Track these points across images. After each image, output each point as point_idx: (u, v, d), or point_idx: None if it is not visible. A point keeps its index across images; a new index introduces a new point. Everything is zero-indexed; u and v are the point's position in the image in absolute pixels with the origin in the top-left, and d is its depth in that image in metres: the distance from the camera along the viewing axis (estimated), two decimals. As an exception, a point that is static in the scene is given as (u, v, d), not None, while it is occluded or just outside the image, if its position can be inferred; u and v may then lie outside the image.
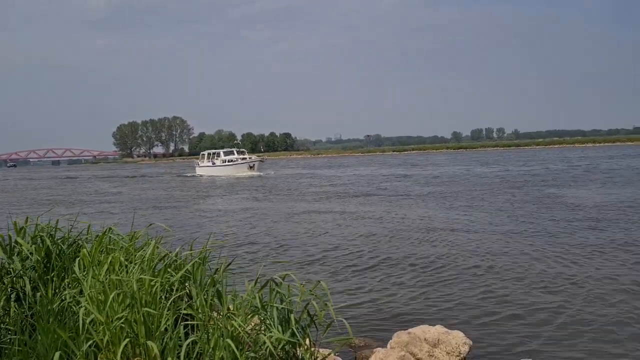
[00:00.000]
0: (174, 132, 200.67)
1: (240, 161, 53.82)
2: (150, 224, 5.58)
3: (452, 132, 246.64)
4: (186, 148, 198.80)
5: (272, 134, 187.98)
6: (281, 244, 12.66)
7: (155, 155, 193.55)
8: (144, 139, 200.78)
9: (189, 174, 59.82)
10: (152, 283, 4.00)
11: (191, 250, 4.87)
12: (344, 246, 12.09)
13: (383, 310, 7.24)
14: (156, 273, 4.32)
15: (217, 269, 4.73)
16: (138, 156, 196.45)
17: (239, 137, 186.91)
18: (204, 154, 61.21)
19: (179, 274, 4.34)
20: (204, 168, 58.38)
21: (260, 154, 66.12)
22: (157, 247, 4.73)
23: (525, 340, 6.05)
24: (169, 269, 4.42)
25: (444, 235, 12.99)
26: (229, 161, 54.67)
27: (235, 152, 57.15)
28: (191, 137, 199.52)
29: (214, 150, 61.08)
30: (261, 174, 51.57)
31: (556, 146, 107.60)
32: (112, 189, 39.20)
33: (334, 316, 4.23)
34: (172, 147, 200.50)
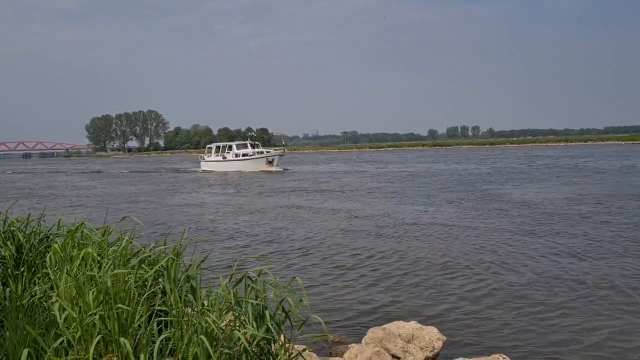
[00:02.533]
0: (148, 126, 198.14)
1: (257, 155, 48.41)
2: (124, 217, 5.48)
3: (429, 130, 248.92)
4: (161, 142, 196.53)
5: (248, 129, 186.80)
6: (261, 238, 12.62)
7: (130, 150, 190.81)
8: (118, 132, 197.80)
9: (190, 169, 54.36)
10: (127, 279, 3.95)
11: (165, 245, 4.82)
12: (318, 241, 12.13)
13: (358, 306, 7.29)
14: (129, 269, 4.27)
15: (192, 264, 4.69)
16: (112, 150, 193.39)
17: (215, 132, 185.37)
18: (210, 147, 54.48)
19: (153, 270, 4.28)
20: (212, 163, 52.05)
21: (279, 147, 56.73)
22: (131, 243, 4.67)
23: (498, 335, 6.16)
24: (142, 265, 4.37)
25: (414, 231, 13.12)
26: (243, 155, 49.10)
27: (249, 144, 51.76)
28: (167, 131, 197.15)
29: (224, 143, 54.27)
30: (280, 169, 47.09)
31: (530, 145, 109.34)
32: (111, 188, 33.04)
33: (310, 312, 4.24)
34: (147, 142, 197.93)
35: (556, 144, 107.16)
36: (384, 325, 5.80)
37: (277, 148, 51.84)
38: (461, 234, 12.66)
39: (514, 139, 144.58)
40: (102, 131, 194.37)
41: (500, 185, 25.15)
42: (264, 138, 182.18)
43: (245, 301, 4.09)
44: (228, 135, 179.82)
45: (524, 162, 46.40)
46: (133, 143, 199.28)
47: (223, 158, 50.90)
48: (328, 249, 11.37)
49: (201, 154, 56.93)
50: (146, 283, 4.23)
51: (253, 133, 58.46)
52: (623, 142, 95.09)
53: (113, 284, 3.83)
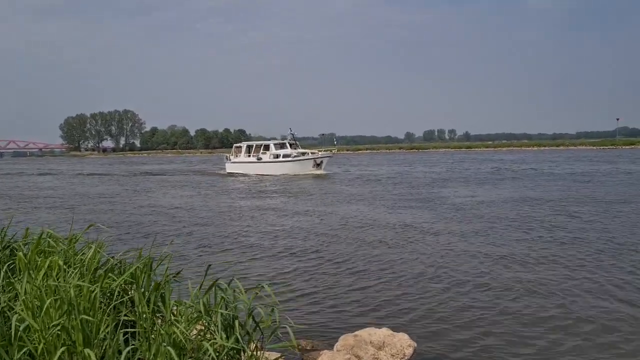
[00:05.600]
0: (124, 126, 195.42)
1: (302, 157, 42.18)
2: (91, 225, 5.38)
3: (405, 133, 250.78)
4: (137, 142, 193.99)
5: (226, 130, 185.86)
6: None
7: (105, 150, 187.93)
8: (93, 132, 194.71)
9: (216, 171, 48.74)
10: (92, 289, 3.88)
11: (140, 256, 4.76)
12: (290, 248, 12.11)
13: (330, 312, 7.29)
14: (97, 278, 4.20)
15: (163, 273, 4.64)
16: (86, 150, 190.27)
17: (192, 133, 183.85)
18: (239, 147, 47.39)
19: (121, 279, 4.23)
20: (243, 165, 45.23)
21: (330, 148, 47.68)
22: (99, 251, 4.59)
23: (469, 341, 6.22)
24: (110, 274, 4.30)
25: (384, 235, 13.20)
26: (283, 156, 42.58)
27: (287, 144, 44.66)
28: (143, 131, 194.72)
29: (258, 142, 47.01)
30: (327, 172, 41.83)
31: (504, 148, 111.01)
32: (145, 198, 24.37)
33: (278, 321, 4.23)
34: (122, 142, 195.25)
35: (530, 148, 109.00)
36: (355, 332, 5.81)
37: (327, 150, 44.77)
38: (425, 238, 12.77)
39: (490, 142, 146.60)
40: (76, 130, 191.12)
41: (451, 189, 25.46)
42: (241, 139, 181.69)
43: (215, 311, 4.06)
44: (205, 136, 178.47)
45: (490, 166, 47.09)
46: (108, 143, 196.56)
47: (258, 159, 44.14)
48: (288, 252, 11.36)
49: (226, 154, 50.47)
50: (114, 292, 4.17)
51: (293, 132, 46.88)
52: (594, 147, 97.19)
53: (77, 294, 3.76)
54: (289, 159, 42.12)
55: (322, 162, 41.58)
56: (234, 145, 49.38)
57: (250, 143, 47.33)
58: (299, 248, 11.95)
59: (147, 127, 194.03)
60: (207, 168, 56.15)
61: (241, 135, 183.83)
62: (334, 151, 45.27)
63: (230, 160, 47.03)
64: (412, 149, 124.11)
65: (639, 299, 7.55)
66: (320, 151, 43.85)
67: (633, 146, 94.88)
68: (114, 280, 4.32)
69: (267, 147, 44.11)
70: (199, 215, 18.20)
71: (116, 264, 4.83)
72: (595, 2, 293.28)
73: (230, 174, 44.32)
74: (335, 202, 21.65)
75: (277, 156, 42.86)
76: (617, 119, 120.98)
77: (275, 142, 45.18)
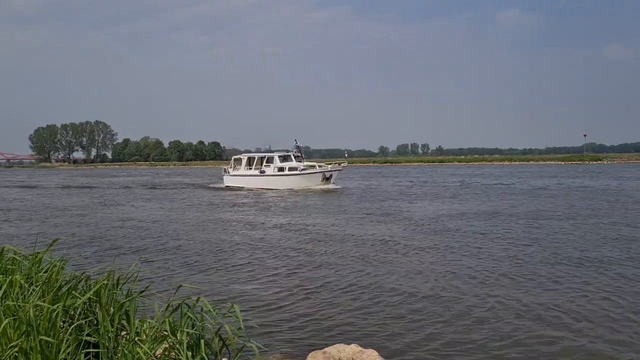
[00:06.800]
0: (96, 137, 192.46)
1: (310, 170, 39.56)
2: (56, 240, 5.25)
3: (379, 147, 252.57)
4: (109, 154, 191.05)
5: (200, 142, 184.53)
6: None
7: (75, 161, 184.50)
8: (63, 143, 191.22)
9: (211, 186, 45.65)
10: (53, 308, 3.79)
11: (110, 273, 4.66)
12: (255, 262, 12.05)
13: (299, 329, 7.25)
14: (59, 296, 4.10)
15: (129, 292, 4.56)
16: (57, 161, 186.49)
17: (166, 145, 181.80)
18: (239, 159, 44.61)
19: (85, 297, 4.13)
20: (244, 178, 42.54)
21: (340, 160, 46.33)
22: (63, 268, 4.49)
23: (438, 356, 6.25)
24: (73, 292, 4.21)
25: (354, 249, 13.23)
26: (289, 169, 39.93)
27: (292, 156, 41.71)
28: (115, 142, 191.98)
29: (260, 154, 43.41)
30: (337, 186, 39.11)
31: (476, 163, 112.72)
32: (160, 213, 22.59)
33: (246, 339, 4.19)
34: (93, 153, 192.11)
35: (501, 162, 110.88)
36: (324, 349, 5.78)
37: (337, 163, 42.58)
38: (396, 254, 12.85)
39: (462, 157, 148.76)
40: (46, 141, 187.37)
41: (411, 202, 25.77)
42: (215, 152, 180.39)
43: (181, 330, 4.00)
44: (178, 148, 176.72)
45: (459, 180, 47.77)
46: (79, 154, 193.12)
47: (261, 172, 41.37)
48: (257, 268, 11.31)
49: (224, 167, 47.96)
50: (76, 312, 4.07)
51: (298, 143, 43.79)
52: (562, 163, 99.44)
53: (37, 314, 3.67)
54: (296, 172, 39.63)
55: (331, 175, 39.52)
56: (233, 157, 46.88)
57: (251, 155, 44.34)
58: (269, 264, 11.89)
59: (120, 139, 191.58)
60: (202, 181, 53.94)
61: (215, 148, 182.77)
62: (343, 164, 43.17)
63: (229, 173, 44.38)
64: (385, 163, 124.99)
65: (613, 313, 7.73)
66: (329, 164, 41.70)
67: (599, 162, 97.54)
68: (77, 298, 4.22)
69: (270, 160, 41.50)
70: (187, 231, 17.97)
71: (80, 282, 4.72)
72: (563, 22, 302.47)
73: (229, 188, 41.91)
74: (336, 216, 21.63)
75: (282, 169, 40.50)
76: (584, 136, 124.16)
77: (280, 153, 42.13)
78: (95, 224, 19.60)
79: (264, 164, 41.71)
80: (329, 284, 9.81)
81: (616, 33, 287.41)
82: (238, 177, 43.19)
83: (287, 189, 38.38)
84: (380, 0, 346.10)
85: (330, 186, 38.72)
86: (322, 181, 39.16)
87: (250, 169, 42.75)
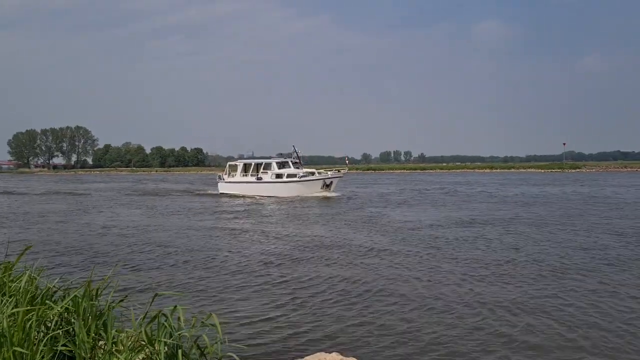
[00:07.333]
0: (76, 143, 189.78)
1: (310, 177, 38.68)
2: (28, 248, 5.13)
3: (362, 154, 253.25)
4: (90, 160, 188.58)
5: (182, 148, 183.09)
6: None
7: (55, 167, 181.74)
8: (43, 148, 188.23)
9: (201, 192, 45.13)
10: (27, 318, 3.72)
11: (89, 282, 4.59)
12: (240, 270, 11.98)
13: (280, 338, 7.21)
14: (34, 306, 4.03)
15: (107, 301, 4.49)
16: (36, 166, 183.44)
17: (148, 151, 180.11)
18: (234, 165, 43.41)
19: (59, 306, 4.06)
20: (239, 185, 41.38)
21: (340, 167, 45.19)
22: (37, 278, 4.41)
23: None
24: (49, 302, 4.13)
25: (334, 257, 13.24)
26: (288, 176, 39.10)
27: (290, 163, 40.71)
28: (95, 148, 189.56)
29: (256, 160, 42.07)
30: (338, 194, 38.34)
31: (458, 170, 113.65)
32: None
33: (223, 347, 4.15)
34: (74, 159, 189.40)
35: (483, 170, 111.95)
36: (305, 358, 5.76)
37: (338, 169, 41.85)
38: (371, 257, 12.88)
39: (444, 164, 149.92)
40: (25, 147, 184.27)
41: (411, 210, 25.98)
42: (198, 158, 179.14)
43: (158, 340, 3.95)
44: (161, 154, 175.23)
45: (440, 187, 48.18)
46: (59, 160, 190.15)
47: (258, 179, 40.53)
48: (240, 277, 11.25)
49: (219, 173, 46.59)
50: (51, 321, 4.00)
51: (296, 151, 42.49)
52: (542, 170, 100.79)
53: (11, 324, 3.59)
54: (295, 179, 38.73)
55: (332, 182, 38.71)
56: (228, 163, 45.26)
57: (247, 161, 42.83)
58: (252, 273, 11.83)
59: (101, 144, 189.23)
60: (194, 188, 52.74)
61: (198, 154, 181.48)
62: (342, 171, 42.33)
63: (223, 179, 43.06)
64: (368, 170, 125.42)
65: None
66: (329, 171, 41.02)
67: (578, 170, 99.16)
68: (53, 308, 4.15)
69: (267, 166, 40.55)
70: (172, 239, 17.79)
71: (57, 291, 4.65)
72: (542, 33, 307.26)
73: (224, 195, 40.84)
74: (340, 225, 21.58)
75: (280, 176, 39.52)
76: (564, 144, 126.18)
77: (278, 160, 41.04)
78: (80, 231, 19.33)
79: (261, 170, 40.84)
80: (311, 293, 9.78)
81: (594, 44, 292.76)
82: (233, 184, 42.11)
83: (286, 197, 37.51)
84: (360, 10, 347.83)
85: (331, 194, 37.93)
86: (322, 188, 38.43)
87: (246, 175, 41.76)
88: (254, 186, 40.49)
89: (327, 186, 38.49)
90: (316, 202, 32.97)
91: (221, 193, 42.04)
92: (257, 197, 38.18)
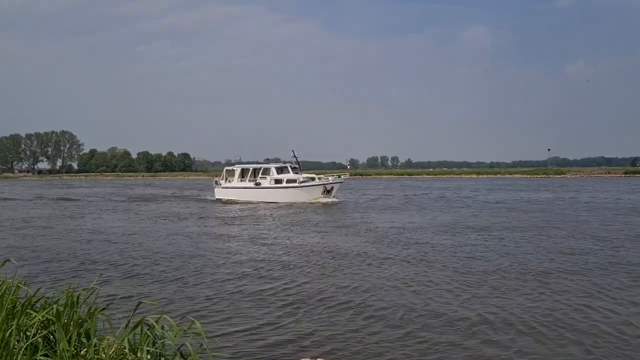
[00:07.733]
0: (62, 148, 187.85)
1: (310, 182, 37.69)
2: (6, 261, 5.04)
3: (349, 159, 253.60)
4: (75, 165, 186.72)
5: (169, 153, 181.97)
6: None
7: (40, 172, 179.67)
8: (28, 153, 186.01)
9: (200, 197, 44.48)
10: (6, 326, 3.66)
11: (69, 290, 4.54)
12: (228, 278, 11.93)
13: (266, 345, 7.18)
14: (14, 314, 3.97)
15: (89, 309, 4.44)
16: (20, 171, 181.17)
17: (134, 156, 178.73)
18: (231, 170, 42.47)
19: (40, 315, 4.01)
20: (237, 190, 40.47)
21: (340, 172, 45.14)
22: (19, 287, 4.35)
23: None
24: (28, 310, 4.07)
25: (324, 265, 13.24)
26: (287, 181, 38.14)
27: (289, 168, 39.90)
28: (81, 153, 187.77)
29: (255, 165, 41.43)
30: (339, 200, 37.82)
31: (445, 176, 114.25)
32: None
33: (209, 355, 4.12)
34: (59, 163, 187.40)
35: (469, 176, 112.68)
36: (291, 365, 5.75)
37: (338, 174, 41.18)
38: (369, 268, 12.91)
39: (431, 169, 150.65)
40: (9, 151, 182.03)
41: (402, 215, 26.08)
42: (185, 163, 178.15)
43: (141, 348, 3.91)
44: (147, 159, 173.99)
45: (423, 192, 48.43)
46: (44, 164, 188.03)
47: (256, 184, 39.35)
48: (226, 284, 11.20)
49: (215, 178, 45.84)
50: (30, 331, 3.94)
51: (297, 155, 42.04)
52: (528, 176, 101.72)
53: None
54: (294, 184, 37.70)
55: (332, 188, 37.64)
56: (225, 168, 44.21)
57: (245, 166, 42.20)
58: (239, 280, 11.78)
59: (86, 149, 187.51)
60: (190, 193, 51.74)
61: (185, 159, 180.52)
62: (343, 176, 41.54)
63: (220, 185, 42.29)
64: (355, 175, 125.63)
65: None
66: (329, 176, 40.09)
67: (562, 175, 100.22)
68: (34, 316, 4.09)
69: (266, 171, 39.50)
70: (160, 245, 17.64)
71: (39, 300, 4.58)
72: (529, 39, 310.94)
73: (220, 201, 40.01)
74: (334, 230, 21.51)
75: (279, 181, 38.47)
76: (549, 150, 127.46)
77: (277, 165, 40.12)
78: (70, 237, 19.12)
79: (260, 175, 39.80)
80: (298, 300, 9.76)
81: (579, 52, 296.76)
82: (231, 189, 41.18)
83: (285, 202, 36.68)
84: (348, 16, 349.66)
85: (332, 200, 37.18)
86: (322, 194, 37.52)
87: (243, 180, 40.83)
88: (252, 192, 39.51)
89: (327, 192, 37.67)
90: (316, 209, 32.26)
91: (217, 199, 41.18)
92: (255, 203, 37.42)
